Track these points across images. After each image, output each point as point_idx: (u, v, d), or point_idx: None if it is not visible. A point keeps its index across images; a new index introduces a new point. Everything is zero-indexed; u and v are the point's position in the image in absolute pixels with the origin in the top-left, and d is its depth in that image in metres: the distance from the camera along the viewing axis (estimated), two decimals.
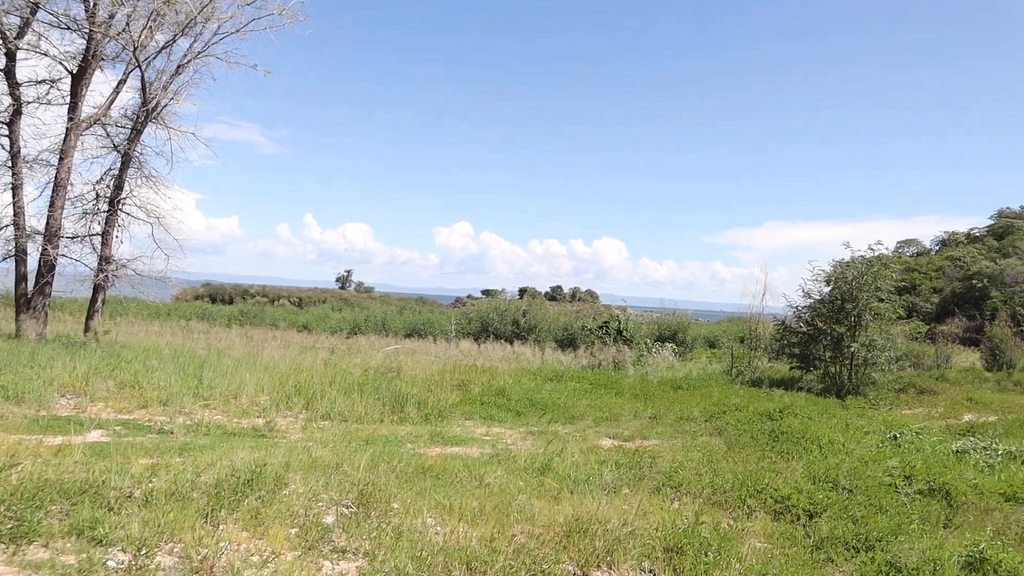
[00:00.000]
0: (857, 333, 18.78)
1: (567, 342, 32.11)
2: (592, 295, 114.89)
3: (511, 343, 30.81)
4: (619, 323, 23.89)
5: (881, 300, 18.93)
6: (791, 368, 20.39)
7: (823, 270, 20.21)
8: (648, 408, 14.63)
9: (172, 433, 8.96)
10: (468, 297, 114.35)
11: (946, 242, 76.63)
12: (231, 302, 68.24)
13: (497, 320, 32.56)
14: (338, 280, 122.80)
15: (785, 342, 20.52)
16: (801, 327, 20.15)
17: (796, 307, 20.71)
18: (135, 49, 16.00)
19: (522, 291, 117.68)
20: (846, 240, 22.26)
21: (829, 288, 20.15)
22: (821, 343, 19.48)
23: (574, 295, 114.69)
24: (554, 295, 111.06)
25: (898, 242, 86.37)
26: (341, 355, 20.25)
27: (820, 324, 19.29)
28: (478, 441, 10.49)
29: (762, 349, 21.69)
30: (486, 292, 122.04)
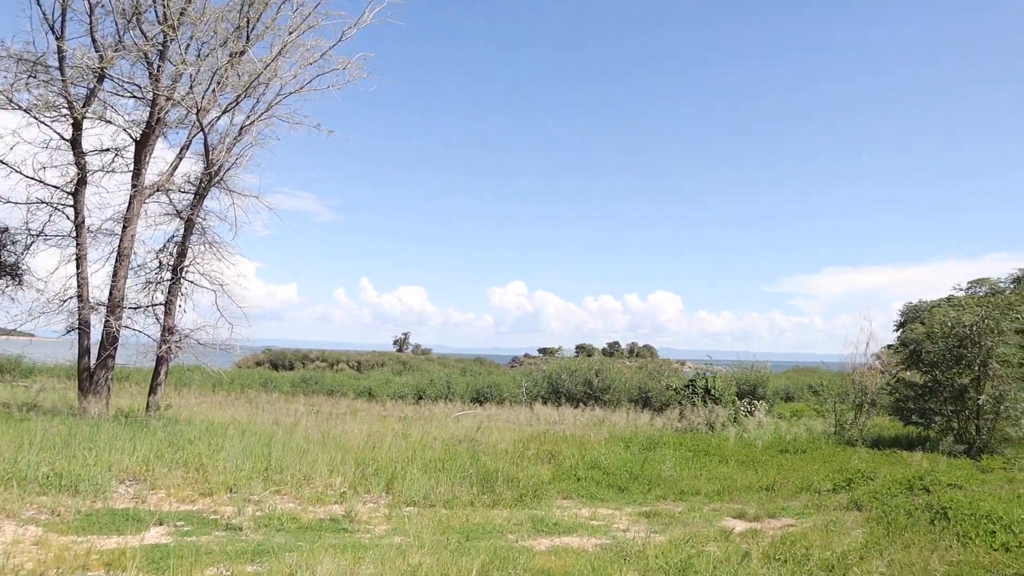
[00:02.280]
0: (983, 383, 16.76)
1: (643, 402, 30.42)
2: (650, 350, 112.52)
3: (584, 405, 29.28)
4: (706, 381, 22.19)
5: (1007, 344, 16.92)
6: (906, 425, 18.37)
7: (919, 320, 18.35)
8: (761, 477, 12.99)
9: (241, 529, 7.75)
10: (525, 356, 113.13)
11: (1021, 279, 72.38)
12: (292, 368, 68.26)
13: (568, 381, 31.06)
14: (395, 343, 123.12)
15: (898, 396, 18.54)
16: (914, 379, 18.20)
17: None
18: (198, 112, 15.51)
19: (579, 348, 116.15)
20: (957, 282, 20.30)
21: (930, 334, 18.20)
22: (940, 396, 17.48)
23: (632, 351, 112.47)
24: (611, 351, 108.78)
25: (969, 282, 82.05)
26: (412, 423, 19.02)
27: (939, 375, 17.34)
28: (587, 528, 9.02)
29: (869, 404, 19.69)
30: (543, 351, 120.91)
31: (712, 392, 21.86)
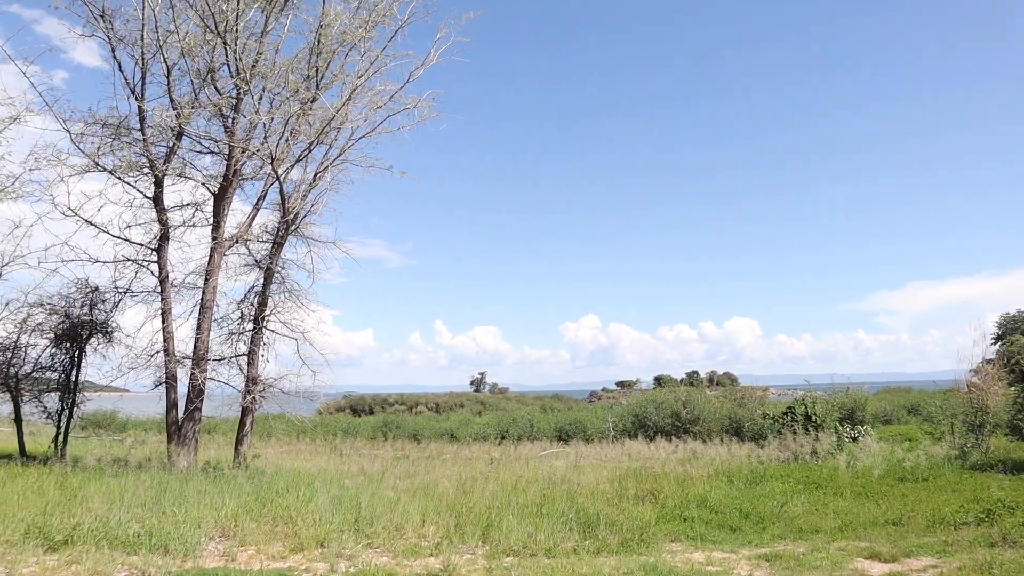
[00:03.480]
0: None
1: (734, 432, 29.11)
2: (731, 378, 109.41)
3: (673, 437, 28.20)
4: (806, 407, 20.93)
5: None
6: None
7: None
8: (884, 510, 11.87)
9: None
10: (603, 390, 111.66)
11: None
12: (372, 412, 68.84)
13: (655, 413, 30.06)
14: (472, 383, 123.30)
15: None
16: None
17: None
18: (273, 161, 15.61)
19: (657, 380, 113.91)
20: None
21: None
22: None
23: (712, 379, 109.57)
24: (691, 381, 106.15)
25: None
26: (500, 466, 18.44)
27: None
28: None
29: (991, 425, 18.13)
30: (621, 384, 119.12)
31: (813, 418, 20.59)
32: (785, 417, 21.40)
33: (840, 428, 21.51)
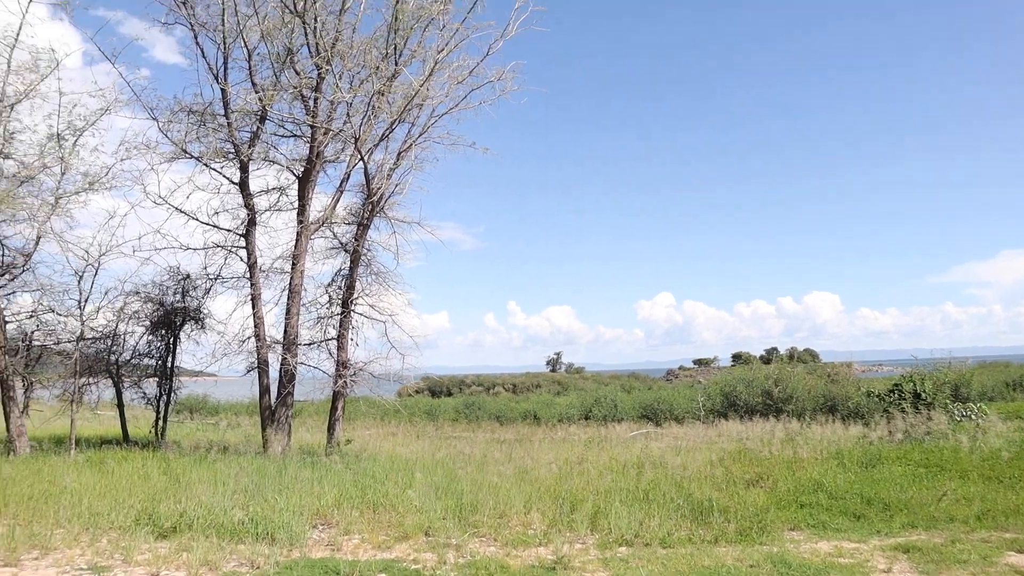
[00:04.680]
0: None
1: (828, 411, 27.81)
2: (811, 354, 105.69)
3: (764, 417, 27.15)
4: (915, 384, 19.68)
5: None
6: None
7: None
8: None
9: None
10: (680, 368, 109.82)
11: None
12: (450, 394, 69.44)
13: (744, 392, 28.99)
14: (548, 363, 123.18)
15: None
16: None
17: None
18: (356, 141, 15.38)
19: (735, 357, 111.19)
20: None
21: None
22: None
23: (792, 356, 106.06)
24: (769, 358, 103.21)
25: None
26: (591, 447, 17.97)
27: None
28: (840, 570, 7.55)
29: None
30: (698, 362, 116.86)
31: (922, 396, 19.35)
32: (891, 395, 20.18)
33: (949, 406, 20.19)
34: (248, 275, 16.72)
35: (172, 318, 18.03)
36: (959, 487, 11.68)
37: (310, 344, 16.63)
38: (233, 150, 16.32)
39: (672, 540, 8.77)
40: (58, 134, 15.93)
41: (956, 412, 19.66)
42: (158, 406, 18.05)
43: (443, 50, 15.86)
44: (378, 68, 15.85)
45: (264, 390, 16.23)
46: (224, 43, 15.98)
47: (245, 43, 15.92)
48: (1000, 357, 61.96)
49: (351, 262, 16.71)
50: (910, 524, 9.72)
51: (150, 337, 18.20)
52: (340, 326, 16.48)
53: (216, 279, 17.55)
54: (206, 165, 16.44)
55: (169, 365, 18.24)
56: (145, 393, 18.36)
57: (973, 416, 19.28)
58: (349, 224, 17.20)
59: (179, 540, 7.93)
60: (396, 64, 16.06)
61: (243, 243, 16.84)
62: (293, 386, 16.07)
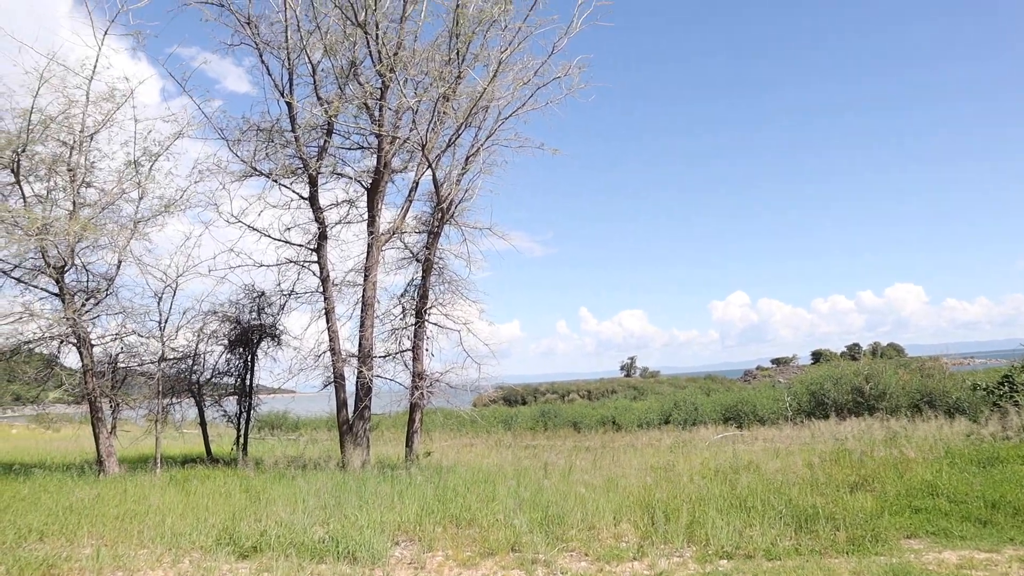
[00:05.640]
0: None
1: (925, 407, 26.20)
2: (896, 349, 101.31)
3: (855, 415, 25.78)
4: None
5: None
6: None
7: None
8: None
9: None
10: (757, 368, 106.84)
11: None
12: (524, 402, 69.16)
13: (833, 390, 27.63)
14: (622, 368, 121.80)
15: None
16: None
17: None
18: (423, 147, 15.15)
19: (815, 355, 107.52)
20: None
21: None
22: None
23: (875, 352, 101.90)
24: (852, 355, 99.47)
25: None
26: (676, 453, 17.25)
27: None
28: None
29: None
30: (776, 361, 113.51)
31: None
32: (1001, 387, 18.76)
33: None
34: (321, 289, 16.69)
35: (249, 335, 18.18)
36: None
37: (385, 356, 16.47)
38: (302, 165, 16.34)
39: (777, 551, 8.10)
40: (135, 160, 16.24)
41: None
42: (238, 423, 18.21)
43: (506, 50, 15.51)
44: (441, 73, 15.63)
45: (341, 404, 16.13)
46: (288, 59, 16.03)
47: (309, 58, 15.92)
48: None
49: (423, 271, 16.50)
50: None
51: (228, 355, 18.40)
52: (414, 337, 16.26)
53: (290, 295, 17.62)
54: (276, 182, 16.51)
55: (248, 382, 18.39)
56: (226, 411, 18.57)
57: None
58: (419, 233, 17.02)
59: (259, 560, 7.70)
60: (460, 68, 15.81)
61: (315, 258, 16.83)
62: (370, 399, 15.92)
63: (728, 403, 32.90)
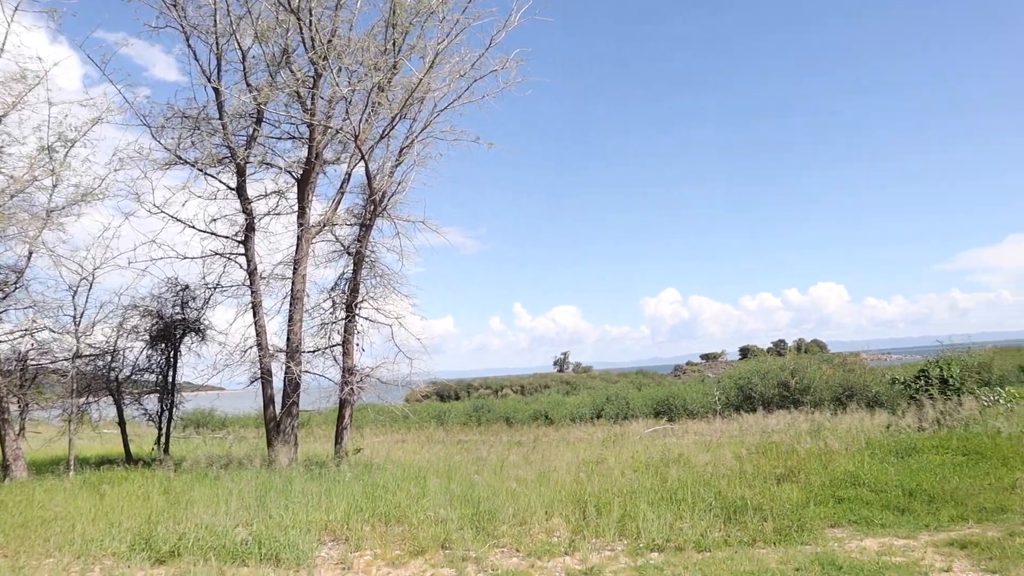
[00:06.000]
0: None
1: (846, 401, 27.12)
2: (819, 345, 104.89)
3: (780, 409, 26.46)
4: (941, 370, 19.00)
5: None
6: None
7: None
8: None
9: None
10: (687, 364, 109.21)
11: None
12: (458, 398, 68.99)
13: (760, 384, 28.31)
14: (556, 363, 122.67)
15: None
16: None
17: None
18: (356, 138, 14.80)
19: (743, 351, 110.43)
20: None
21: None
22: None
23: (799, 348, 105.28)
24: (778, 351, 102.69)
25: None
26: (607, 446, 17.37)
27: None
28: (897, 571, 6.95)
29: None
30: (705, 356, 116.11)
31: (950, 381, 18.68)
32: (918, 381, 19.51)
33: (976, 391, 19.50)
34: (248, 282, 16.19)
35: (172, 330, 17.52)
36: (1005, 475, 11.07)
37: (314, 351, 16.07)
38: (229, 154, 15.79)
39: (707, 543, 8.19)
40: (48, 146, 15.44)
41: (984, 397, 18.99)
42: (160, 422, 17.52)
43: (444, 41, 15.26)
44: (376, 63, 15.29)
45: (268, 401, 15.69)
46: (217, 44, 15.50)
47: (239, 44, 15.38)
48: (1010, 342, 61.20)
49: (354, 265, 16.14)
50: (959, 517, 9.12)
51: (150, 351, 17.68)
52: (345, 331, 15.91)
53: (215, 288, 17.02)
54: (201, 171, 15.91)
55: (170, 379, 17.71)
56: (146, 409, 17.83)
57: (1002, 400, 18.61)
58: (351, 226, 16.66)
59: (177, 565, 7.37)
60: (396, 58, 15.51)
61: (242, 250, 16.31)
62: (298, 395, 15.50)
63: (659, 397, 33.38)
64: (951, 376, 18.82)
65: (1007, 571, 6.75)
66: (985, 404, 18.46)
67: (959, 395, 18.09)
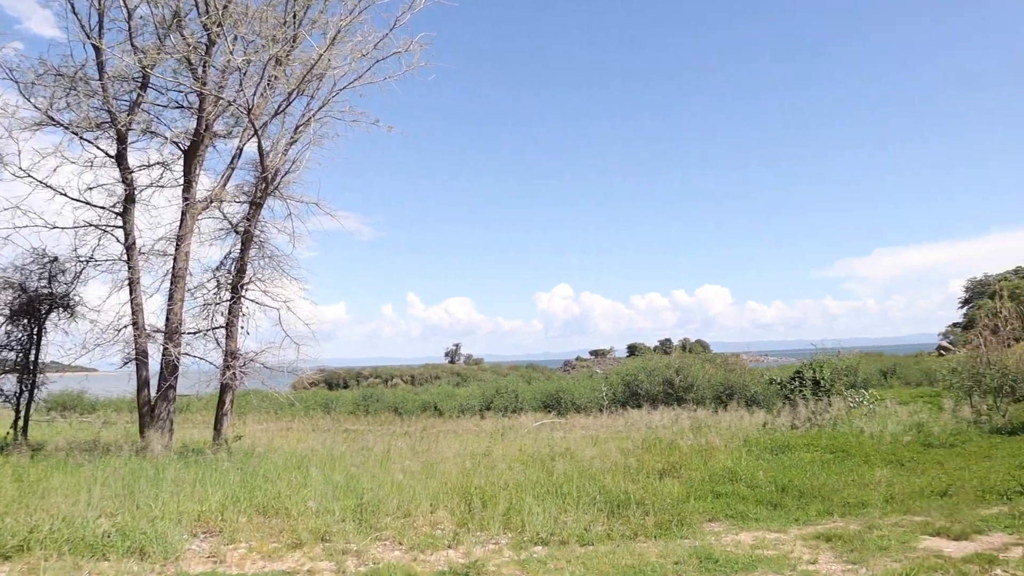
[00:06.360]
0: None
1: (727, 399, 28.36)
2: (703, 345, 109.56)
3: (665, 405, 27.36)
4: (814, 372, 20.10)
5: None
6: None
7: None
8: (928, 480, 11.00)
9: None
10: (577, 359, 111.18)
11: None
12: (347, 386, 67.75)
13: (647, 381, 29.16)
14: (447, 354, 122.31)
15: None
16: None
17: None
18: (249, 112, 14.13)
19: (631, 348, 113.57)
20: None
21: None
22: None
23: (684, 347, 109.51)
24: (664, 349, 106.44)
25: None
26: (496, 439, 17.40)
27: None
28: (767, 563, 7.21)
29: (1010, 386, 17.43)
30: (595, 352, 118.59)
31: (821, 383, 19.78)
32: (793, 382, 20.57)
33: (844, 392, 20.76)
34: (125, 257, 15.20)
35: (36, 305, 16.22)
36: (866, 471, 11.78)
37: (195, 333, 15.28)
38: (109, 119, 14.74)
39: (590, 537, 8.27)
40: None
41: (851, 398, 20.23)
42: (18, 404, 16.21)
43: (347, 18, 14.79)
44: (275, 35, 14.63)
45: (143, 383, 14.81)
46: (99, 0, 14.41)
47: (124, 2, 14.37)
48: (874, 347, 65.90)
49: (242, 244, 15.44)
50: (826, 511, 9.60)
51: (9, 327, 16.30)
52: (229, 313, 15.20)
53: (88, 262, 15.87)
54: (76, 135, 14.79)
55: (32, 358, 16.42)
56: (2, 390, 16.44)
57: (866, 402, 19.88)
58: (240, 203, 15.92)
59: (26, 560, 6.75)
60: (296, 30, 14.89)
61: (120, 222, 15.29)
62: (176, 379, 14.69)
63: (548, 391, 33.86)
64: (823, 378, 19.93)
65: (866, 562, 7.11)
66: (851, 405, 19.67)
67: (829, 396, 19.20)
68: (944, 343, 59.67)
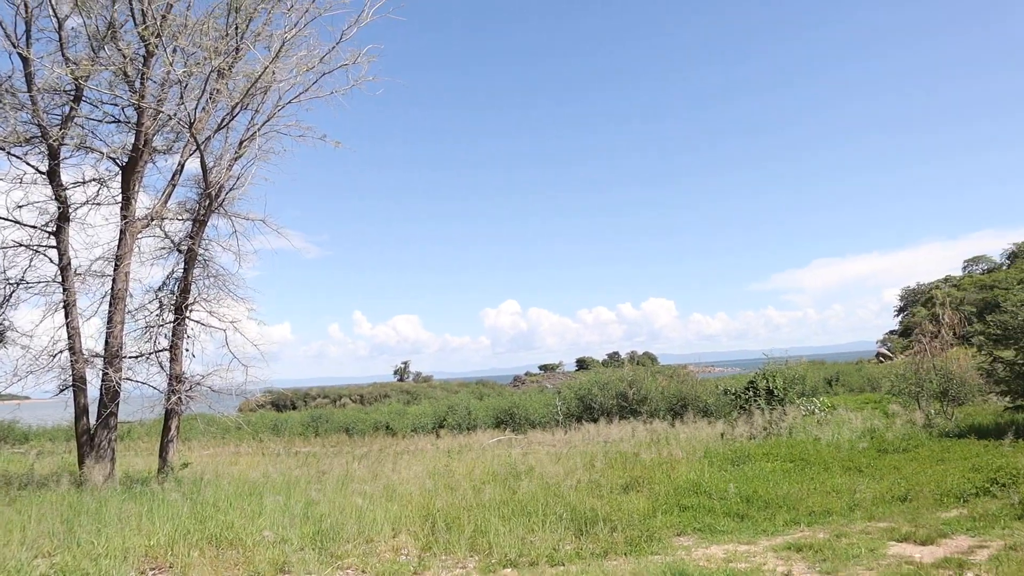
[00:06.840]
0: None
1: (680, 411, 28.47)
2: (651, 357, 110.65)
3: (620, 419, 27.35)
4: (768, 381, 20.29)
5: None
6: (1006, 409, 16.55)
7: None
8: (887, 486, 11.09)
9: None
10: (526, 375, 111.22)
11: (1017, 254, 71.66)
12: (295, 407, 66.28)
13: (601, 395, 29.10)
14: (396, 372, 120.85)
15: (994, 379, 16.70)
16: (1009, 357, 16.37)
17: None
18: (191, 126, 13.61)
19: (579, 362, 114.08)
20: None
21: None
22: None
23: (632, 359, 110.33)
24: (612, 362, 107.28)
25: (965, 261, 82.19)
26: (453, 458, 17.06)
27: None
28: None
29: (955, 391, 17.87)
30: (544, 367, 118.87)
31: (775, 392, 19.98)
32: (747, 392, 20.72)
33: (796, 401, 21.03)
34: (60, 279, 14.46)
35: None
36: (827, 479, 11.82)
37: (137, 357, 14.59)
38: (39, 134, 14.04)
39: (560, 556, 8.04)
40: None
41: (803, 407, 20.49)
42: None
43: (292, 30, 14.42)
44: (216, 47, 14.17)
45: (82, 411, 14.04)
46: (26, 7, 13.74)
47: (54, 11, 13.74)
48: (815, 355, 67.52)
49: (185, 263, 14.84)
50: (792, 521, 9.56)
51: None
52: (173, 335, 14.57)
53: (19, 284, 15.02)
54: (3, 150, 14.04)
55: None
56: None
57: (817, 410, 20.16)
58: (183, 221, 15.31)
59: None
60: (238, 42, 14.45)
61: (53, 242, 14.55)
62: (117, 405, 13.97)
63: (501, 407, 33.51)
64: (776, 387, 20.12)
65: (838, 571, 7.05)
66: (804, 413, 19.92)
67: (783, 405, 19.37)
68: (883, 350, 61.62)
